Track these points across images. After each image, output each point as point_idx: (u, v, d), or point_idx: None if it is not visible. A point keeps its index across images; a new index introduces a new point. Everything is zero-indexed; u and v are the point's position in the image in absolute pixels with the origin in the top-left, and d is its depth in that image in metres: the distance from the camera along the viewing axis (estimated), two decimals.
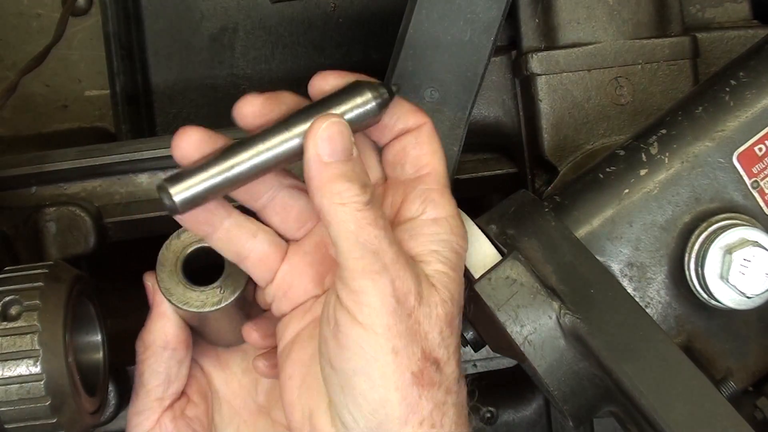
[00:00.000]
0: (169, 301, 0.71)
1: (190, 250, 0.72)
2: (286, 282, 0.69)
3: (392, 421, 0.62)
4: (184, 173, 0.62)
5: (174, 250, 0.72)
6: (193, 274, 0.72)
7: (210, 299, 0.70)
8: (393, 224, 0.66)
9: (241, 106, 0.66)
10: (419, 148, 0.68)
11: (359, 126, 0.65)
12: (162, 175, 0.93)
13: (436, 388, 0.63)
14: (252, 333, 0.73)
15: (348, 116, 0.64)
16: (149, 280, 0.73)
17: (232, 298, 0.70)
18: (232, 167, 0.62)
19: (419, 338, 0.63)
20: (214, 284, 0.71)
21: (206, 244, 0.70)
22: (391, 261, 0.62)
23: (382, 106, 0.65)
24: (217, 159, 0.62)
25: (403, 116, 0.68)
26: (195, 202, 0.62)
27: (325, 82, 0.67)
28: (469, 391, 0.68)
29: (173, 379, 0.74)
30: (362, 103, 0.65)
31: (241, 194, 0.67)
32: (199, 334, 0.76)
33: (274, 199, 0.69)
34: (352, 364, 0.62)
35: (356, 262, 0.62)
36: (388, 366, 0.62)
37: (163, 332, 0.73)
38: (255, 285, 0.72)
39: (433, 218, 0.66)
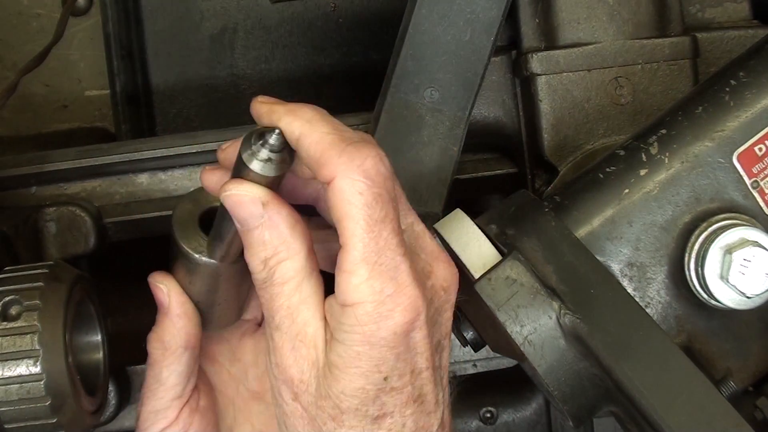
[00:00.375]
0: (181, 245, 0.69)
1: (208, 207, 0.71)
2: None
3: None
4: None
5: (191, 206, 0.71)
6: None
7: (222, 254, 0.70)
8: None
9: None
10: (333, 214, 0.60)
11: (271, 182, 0.62)
12: (162, 176, 0.93)
13: None
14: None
15: (252, 176, 0.61)
16: (160, 283, 0.72)
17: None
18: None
19: (305, 422, 0.63)
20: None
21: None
22: (277, 346, 0.63)
23: (269, 163, 0.61)
24: None
25: (318, 165, 0.60)
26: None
27: (254, 113, 0.65)
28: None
29: (191, 375, 0.74)
30: (251, 161, 0.61)
31: None
32: (205, 321, 0.76)
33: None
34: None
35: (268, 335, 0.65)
36: None
37: (185, 332, 0.72)
38: None
39: (341, 305, 0.61)
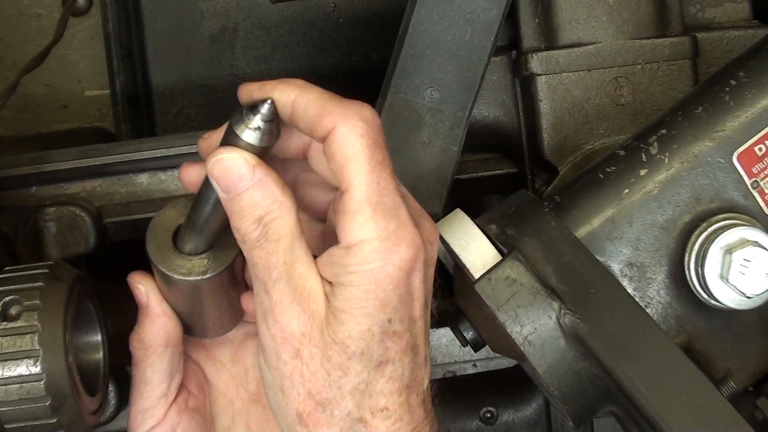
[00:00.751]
0: (156, 267, 0.70)
1: (181, 221, 0.72)
2: None
3: None
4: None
5: (166, 219, 0.72)
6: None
7: (197, 268, 0.70)
8: (328, 247, 0.65)
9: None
10: (332, 161, 0.63)
11: (259, 152, 0.63)
12: (162, 176, 0.93)
13: (326, 427, 0.63)
14: (250, 304, 0.73)
15: (242, 145, 0.63)
16: (138, 282, 0.73)
17: (221, 269, 0.70)
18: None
19: (304, 379, 0.63)
20: (203, 254, 0.71)
21: None
22: (275, 302, 0.63)
23: (259, 131, 0.62)
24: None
25: (314, 124, 0.64)
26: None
27: (243, 94, 0.67)
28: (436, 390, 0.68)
29: (175, 373, 0.74)
30: (238, 137, 0.63)
31: None
32: (187, 328, 0.76)
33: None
34: (266, 394, 0.67)
35: (256, 301, 0.65)
36: (278, 403, 0.65)
37: (164, 331, 0.73)
38: (245, 265, 0.73)
39: (345, 247, 0.62)
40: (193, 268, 0.70)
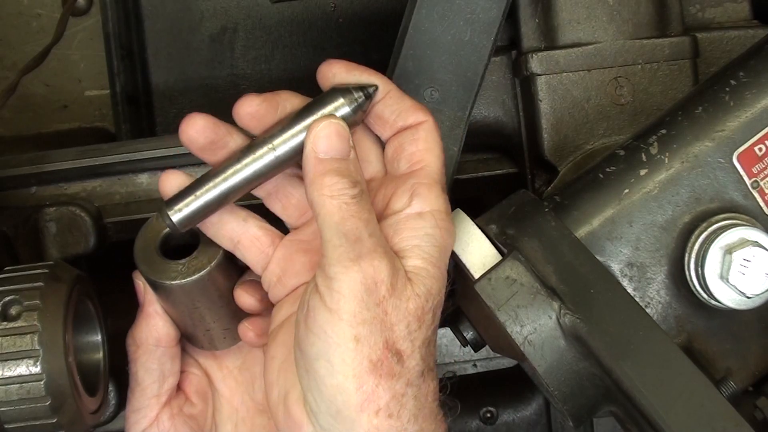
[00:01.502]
0: (143, 273, 0.71)
1: (165, 233, 0.72)
2: (279, 267, 0.72)
3: (349, 408, 0.63)
4: (181, 194, 0.68)
5: (153, 228, 0.73)
6: (173, 255, 0.72)
7: (183, 271, 0.70)
8: (381, 217, 0.68)
9: (239, 106, 0.69)
10: (415, 145, 0.69)
11: (354, 124, 0.69)
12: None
13: (395, 379, 0.64)
14: (248, 332, 0.74)
15: (341, 115, 0.68)
16: (139, 279, 0.74)
17: (205, 270, 0.70)
18: (221, 186, 0.68)
19: (384, 329, 0.64)
20: (189, 257, 0.71)
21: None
22: (367, 251, 0.64)
23: (358, 110, 0.68)
24: (209, 177, 0.68)
25: (404, 113, 0.70)
26: (193, 220, 0.68)
27: (329, 71, 0.71)
28: (441, 385, 0.69)
29: (167, 375, 0.75)
30: (337, 108, 0.68)
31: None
32: (191, 337, 0.76)
33: (277, 187, 0.72)
34: (316, 349, 0.64)
35: (334, 250, 0.64)
36: (348, 353, 0.63)
37: (155, 330, 0.74)
38: (240, 270, 0.74)
39: (418, 212, 0.67)
40: (178, 272, 0.71)
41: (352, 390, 0.63)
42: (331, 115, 0.68)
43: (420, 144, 0.69)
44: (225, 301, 0.73)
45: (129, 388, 0.76)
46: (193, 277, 0.70)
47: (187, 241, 0.72)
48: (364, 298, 0.63)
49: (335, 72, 0.71)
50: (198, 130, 0.68)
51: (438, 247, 0.67)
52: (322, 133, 0.66)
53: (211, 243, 0.71)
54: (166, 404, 0.75)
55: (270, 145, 0.68)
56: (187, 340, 0.77)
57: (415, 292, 0.65)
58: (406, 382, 0.64)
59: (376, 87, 0.69)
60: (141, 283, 0.74)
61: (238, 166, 0.68)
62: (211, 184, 0.68)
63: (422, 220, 0.67)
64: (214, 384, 0.79)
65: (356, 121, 0.69)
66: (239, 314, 0.74)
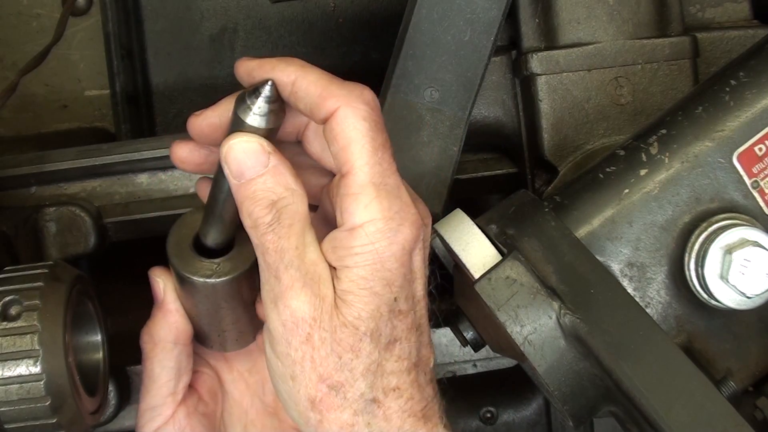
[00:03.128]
0: (175, 269, 0.70)
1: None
2: None
3: None
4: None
5: (187, 224, 0.72)
6: (202, 254, 0.72)
7: (215, 270, 0.70)
8: (330, 231, 0.65)
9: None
10: (334, 144, 0.63)
11: (267, 134, 0.64)
12: (162, 176, 0.93)
13: (340, 410, 0.64)
14: None
15: (249, 130, 0.64)
16: (158, 277, 0.73)
17: (238, 272, 0.70)
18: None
19: (316, 364, 0.63)
20: (223, 257, 0.71)
21: None
22: (283, 290, 0.63)
23: (264, 114, 0.63)
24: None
25: (314, 107, 0.64)
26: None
27: (243, 71, 0.68)
28: (441, 387, 0.69)
29: (183, 373, 0.74)
30: (240, 122, 0.63)
31: None
32: (203, 336, 0.76)
33: None
34: (273, 381, 0.67)
35: (262, 287, 0.65)
36: (289, 390, 0.65)
37: (175, 327, 0.73)
38: None
39: (349, 229, 0.63)
40: (212, 271, 0.70)
41: (302, 423, 0.65)
42: (232, 134, 0.63)
43: (338, 142, 0.63)
44: (247, 306, 0.73)
45: (143, 385, 0.75)
46: (227, 278, 0.70)
47: (218, 243, 0.71)
48: (289, 339, 0.63)
49: (249, 70, 0.67)
50: (184, 158, 0.69)
51: (370, 265, 0.63)
52: (228, 159, 0.63)
53: (245, 246, 0.71)
54: (182, 402, 0.75)
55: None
56: (195, 339, 0.77)
57: (342, 322, 0.63)
58: (353, 412, 0.64)
59: (267, 82, 0.63)
60: (161, 282, 0.73)
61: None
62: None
63: (353, 238, 0.63)
64: (224, 385, 0.79)
65: (272, 123, 0.63)
66: (255, 320, 0.74)
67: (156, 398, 0.74)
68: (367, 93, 0.64)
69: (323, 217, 0.70)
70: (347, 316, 0.63)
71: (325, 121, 0.64)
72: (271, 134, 0.64)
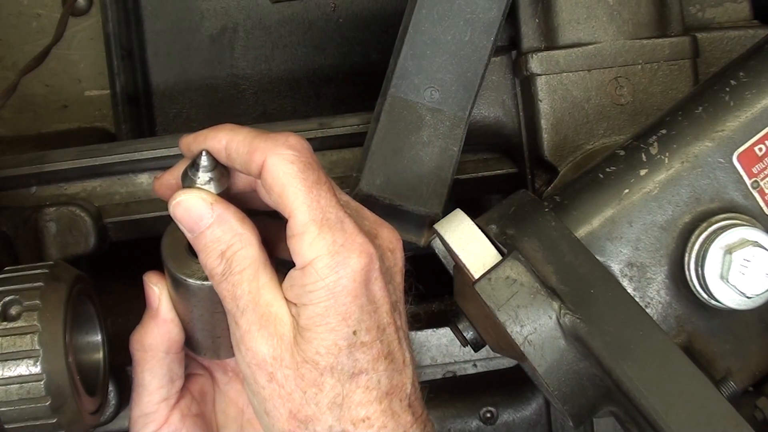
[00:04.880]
0: (171, 270, 0.70)
1: None
2: None
3: None
4: None
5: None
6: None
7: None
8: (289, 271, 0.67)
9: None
10: (271, 193, 0.66)
11: (221, 187, 0.68)
12: None
13: None
14: None
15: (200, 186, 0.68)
16: (154, 284, 0.73)
17: None
18: None
19: (285, 400, 0.65)
20: None
21: None
22: (243, 334, 0.65)
23: (207, 182, 0.67)
24: None
25: (247, 163, 0.67)
26: None
27: (183, 147, 0.71)
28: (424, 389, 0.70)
29: (175, 379, 0.74)
30: (189, 189, 0.67)
31: None
32: (196, 342, 0.76)
33: None
34: (257, 416, 0.69)
35: (230, 330, 0.67)
36: (266, 426, 0.67)
37: (167, 337, 0.73)
38: None
39: (300, 268, 0.65)
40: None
41: None
42: (176, 192, 0.67)
43: (273, 190, 0.65)
44: None
45: (134, 391, 0.74)
46: None
47: None
48: (256, 378, 0.65)
49: (187, 145, 0.71)
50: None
51: (324, 302, 0.64)
52: (177, 216, 0.67)
53: None
54: (175, 406, 0.75)
55: None
56: (187, 347, 0.76)
57: (303, 358, 0.64)
58: None
59: (201, 153, 0.67)
60: (156, 289, 0.73)
61: None
62: None
63: (305, 276, 0.64)
64: (219, 386, 0.78)
65: (216, 189, 0.67)
66: None
67: (148, 405, 0.74)
68: (292, 138, 0.66)
69: None
70: (307, 352, 0.64)
71: (259, 175, 0.66)
72: (222, 197, 0.68)
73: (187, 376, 0.77)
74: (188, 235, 0.67)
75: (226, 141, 0.67)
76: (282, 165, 0.65)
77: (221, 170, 0.68)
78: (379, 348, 0.65)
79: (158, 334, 0.73)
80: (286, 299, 0.66)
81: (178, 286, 0.71)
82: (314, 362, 0.64)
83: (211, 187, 0.67)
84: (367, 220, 0.69)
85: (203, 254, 0.67)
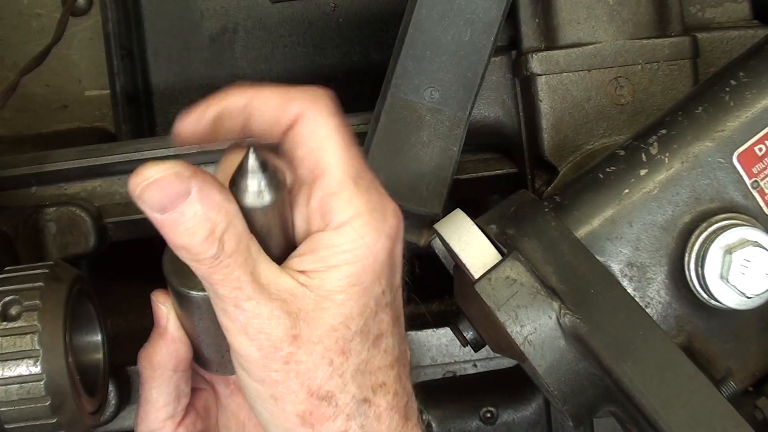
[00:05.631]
0: (174, 284, 0.69)
1: None
2: None
3: None
4: None
5: None
6: None
7: None
8: (305, 236, 0.62)
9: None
10: (302, 147, 0.61)
11: (271, 205, 0.60)
12: None
13: (331, 420, 0.61)
14: None
15: (257, 214, 0.60)
16: (162, 303, 0.70)
17: None
18: None
19: (303, 378, 0.60)
20: None
21: None
22: (250, 318, 0.59)
23: (267, 185, 0.59)
24: None
25: (272, 120, 0.62)
26: None
27: (186, 130, 0.64)
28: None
29: (182, 396, 0.72)
30: (246, 198, 0.59)
31: None
32: (204, 358, 0.75)
33: None
34: (251, 402, 0.64)
35: (224, 318, 0.61)
36: (273, 413, 0.62)
37: (176, 357, 0.70)
38: None
39: (335, 228, 0.60)
40: None
41: None
42: (140, 168, 0.57)
43: (306, 144, 0.61)
44: None
45: (140, 407, 0.72)
46: None
47: None
48: (266, 362, 0.60)
49: (193, 125, 0.64)
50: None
51: (361, 261, 0.60)
52: (144, 198, 0.57)
53: None
54: (181, 423, 0.73)
55: None
56: (195, 362, 0.75)
57: (330, 325, 0.60)
58: (346, 417, 0.62)
59: (248, 153, 0.58)
60: (164, 309, 0.70)
61: None
62: None
63: (339, 236, 0.60)
64: (220, 399, 0.78)
65: (274, 194, 0.59)
66: None
67: (155, 422, 0.72)
68: (328, 92, 0.62)
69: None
70: (336, 318, 0.60)
71: (286, 131, 0.61)
72: (277, 205, 0.60)
73: (193, 392, 0.76)
74: (155, 216, 0.58)
75: (249, 96, 0.61)
76: (322, 118, 0.60)
77: (274, 169, 0.59)
78: (394, 309, 0.63)
79: (167, 353, 0.70)
80: (294, 269, 0.61)
81: (181, 301, 0.70)
82: (346, 327, 0.60)
83: (267, 195, 0.59)
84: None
85: (185, 237, 0.58)
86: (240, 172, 0.59)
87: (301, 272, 0.61)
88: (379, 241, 0.61)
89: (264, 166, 0.59)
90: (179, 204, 0.57)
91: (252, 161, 0.58)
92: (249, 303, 0.60)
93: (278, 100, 0.61)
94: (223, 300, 0.60)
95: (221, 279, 0.59)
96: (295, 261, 0.62)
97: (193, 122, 0.64)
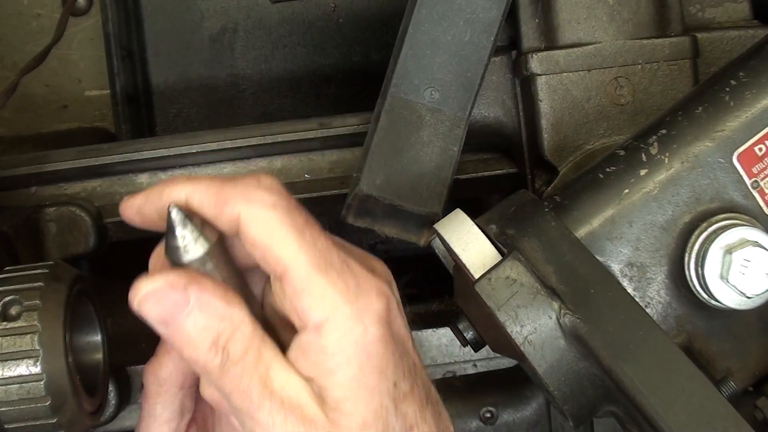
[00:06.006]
0: None
1: None
2: None
3: None
4: None
5: None
6: None
7: None
8: (294, 335, 0.58)
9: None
10: (255, 250, 0.55)
11: (205, 256, 0.57)
12: (162, 176, 0.93)
13: None
14: None
15: (193, 265, 0.57)
16: None
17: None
18: None
19: None
20: None
21: None
22: (269, 425, 0.55)
23: (196, 237, 0.56)
24: None
25: (212, 214, 0.56)
26: None
27: (130, 212, 0.61)
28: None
29: (186, 412, 0.71)
30: (180, 255, 0.57)
31: None
32: None
33: None
34: None
35: (240, 426, 0.58)
36: None
37: (182, 373, 0.68)
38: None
39: (315, 329, 0.55)
40: None
41: None
42: (138, 283, 0.57)
43: (257, 246, 0.55)
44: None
45: (143, 420, 0.70)
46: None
47: None
48: None
49: (137, 209, 0.61)
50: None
51: (356, 360, 0.55)
52: (144, 312, 0.56)
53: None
54: None
55: None
56: None
57: (345, 427, 0.55)
58: None
59: (169, 211, 0.55)
60: None
61: None
62: None
63: (322, 337, 0.55)
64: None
65: (208, 243, 0.56)
66: None
67: None
68: (264, 178, 0.57)
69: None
70: (351, 424, 0.55)
71: (235, 232, 0.56)
72: (214, 252, 0.57)
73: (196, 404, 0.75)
74: (162, 331, 0.56)
75: (186, 194, 0.56)
76: (262, 213, 0.55)
77: (199, 221, 0.57)
78: (420, 393, 0.58)
79: (174, 369, 0.68)
80: (300, 374, 0.57)
81: None
82: (361, 428, 0.55)
83: (200, 245, 0.56)
84: (354, 254, 0.60)
85: (190, 349, 0.55)
86: (167, 231, 0.57)
87: (306, 378, 0.57)
88: (369, 332, 0.56)
89: (186, 221, 0.56)
90: (179, 315, 0.55)
91: (174, 217, 0.56)
92: (261, 413, 0.56)
93: (212, 201, 0.56)
94: (237, 411, 0.57)
95: (232, 389, 0.56)
96: (297, 365, 0.57)
97: (135, 209, 0.61)
